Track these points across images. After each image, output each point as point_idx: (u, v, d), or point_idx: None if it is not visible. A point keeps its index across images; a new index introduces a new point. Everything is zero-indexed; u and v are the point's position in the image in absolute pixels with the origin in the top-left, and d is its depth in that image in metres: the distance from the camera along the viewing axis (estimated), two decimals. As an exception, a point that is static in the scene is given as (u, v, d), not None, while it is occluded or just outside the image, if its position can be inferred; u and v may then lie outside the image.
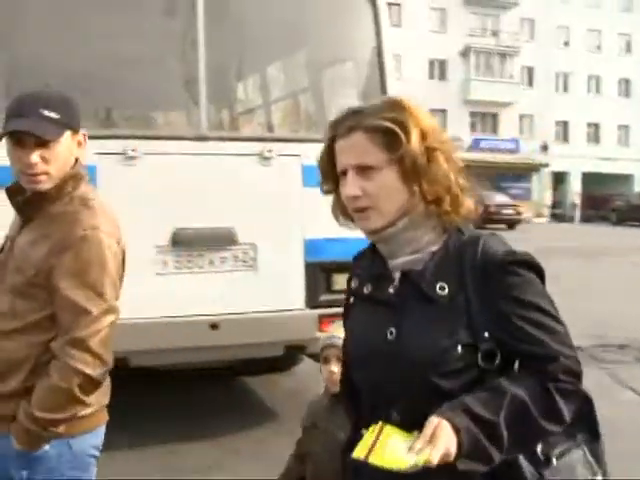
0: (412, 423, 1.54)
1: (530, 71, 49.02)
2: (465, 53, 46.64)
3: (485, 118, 48.49)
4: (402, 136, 1.61)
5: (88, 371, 2.12)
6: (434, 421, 1.48)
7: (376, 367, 1.69)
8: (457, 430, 1.48)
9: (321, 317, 4.83)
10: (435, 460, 1.42)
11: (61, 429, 2.16)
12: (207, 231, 4.66)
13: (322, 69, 5.75)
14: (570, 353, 1.61)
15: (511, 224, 33.97)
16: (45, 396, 2.13)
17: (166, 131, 5.21)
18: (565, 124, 50.02)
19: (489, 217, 33.84)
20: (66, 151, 2.23)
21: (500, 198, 35.79)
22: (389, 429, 1.55)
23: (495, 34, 47.94)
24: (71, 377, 2.11)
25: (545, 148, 48.34)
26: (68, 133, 2.23)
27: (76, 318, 2.13)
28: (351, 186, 1.65)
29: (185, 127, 5.25)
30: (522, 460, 1.62)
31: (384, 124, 1.62)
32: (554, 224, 41.55)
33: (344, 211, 1.75)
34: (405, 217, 1.66)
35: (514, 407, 1.53)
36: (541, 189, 48.42)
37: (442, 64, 46.59)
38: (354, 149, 1.65)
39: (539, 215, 45.49)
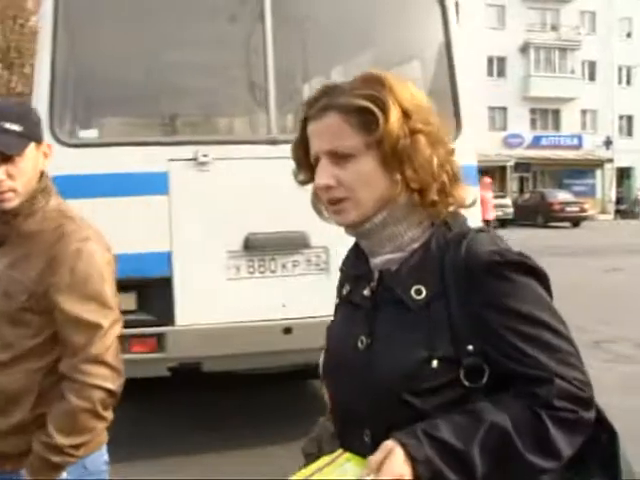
0: None
1: (592, 65, 48.01)
2: (524, 49, 45.96)
3: (546, 114, 47.69)
4: (380, 115, 1.38)
5: (109, 386, 2.03)
6: (386, 447, 1.28)
7: (345, 381, 1.47)
8: (413, 459, 1.26)
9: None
10: None
11: (81, 452, 2.05)
12: (279, 235, 4.65)
13: (389, 69, 5.69)
14: (573, 374, 1.34)
15: (576, 222, 33.45)
16: (66, 421, 2.01)
17: (236, 136, 5.22)
18: (629, 118, 48.92)
19: (553, 215, 33.37)
20: (32, 164, 2.09)
21: (563, 195, 35.30)
22: (348, 455, 1.39)
23: (555, 28, 47.14)
24: (92, 395, 2.01)
25: (609, 143, 47.27)
26: (32, 145, 2.08)
27: (87, 334, 2.02)
28: (323, 175, 1.43)
29: (255, 131, 5.27)
30: None
31: (359, 102, 1.40)
32: (619, 221, 40.59)
33: None
34: (384, 210, 1.44)
35: (493, 437, 1.29)
36: (605, 185, 47.38)
37: (501, 61, 45.98)
38: (327, 132, 1.43)
39: (604, 212, 44.53)
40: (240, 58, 4.91)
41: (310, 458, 2.41)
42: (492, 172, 38.29)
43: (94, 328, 2.03)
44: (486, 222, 19.63)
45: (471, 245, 1.39)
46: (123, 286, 4.32)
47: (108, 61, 4.80)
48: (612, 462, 1.42)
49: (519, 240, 20.73)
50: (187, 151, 4.46)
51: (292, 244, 4.69)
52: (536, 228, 32.31)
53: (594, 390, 1.37)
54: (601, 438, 1.42)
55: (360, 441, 1.42)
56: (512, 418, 1.30)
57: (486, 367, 1.36)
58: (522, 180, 46.12)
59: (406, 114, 1.40)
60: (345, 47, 5.44)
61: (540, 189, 40.49)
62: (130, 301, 4.41)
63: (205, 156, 4.44)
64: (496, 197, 31.46)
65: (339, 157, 1.42)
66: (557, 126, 47.76)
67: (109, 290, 2.10)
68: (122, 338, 4.37)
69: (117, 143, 4.49)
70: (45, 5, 4.43)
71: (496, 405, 1.32)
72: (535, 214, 34.12)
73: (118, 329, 2.11)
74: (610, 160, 46.51)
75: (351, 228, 1.49)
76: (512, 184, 44.59)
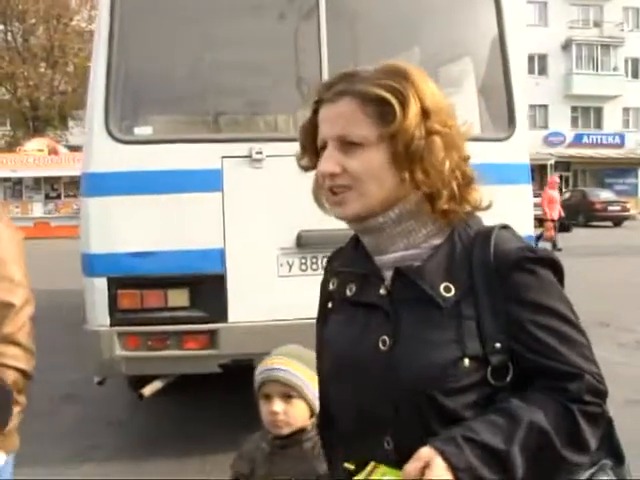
0: (409, 452, 1.25)
1: (635, 62, 47.29)
2: (566, 46, 45.41)
3: (588, 112, 47.08)
4: (397, 109, 1.32)
5: (22, 366, 1.98)
6: (424, 455, 1.22)
7: (363, 384, 1.39)
8: (454, 468, 1.21)
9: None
10: None
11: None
12: (331, 233, 4.57)
13: (441, 65, 5.64)
14: (594, 369, 1.34)
15: (617, 221, 32.95)
16: None
17: (290, 133, 5.22)
18: (673, 116, 48.07)
19: (594, 214, 32.91)
20: None
21: (605, 194, 34.78)
22: (384, 469, 1.32)
23: (598, 25, 46.47)
24: (4, 376, 1.95)
25: (652, 142, 46.52)
26: None
27: None
28: (329, 161, 1.36)
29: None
30: None
31: (378, 91, 1.33)
32: (662, 221, 39.89)
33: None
34: (397, 206, 1.38)
35: (532, 436, 1.26)
36: (648, 184, 46.62)
37: (542, 58, 45.46)
38: (340, 117, 1.36)
39: (646, 212, 43.82)
40: (292, 55, 4.89)
41: (243, 478, 2.32)
42: (532, 171, 37.82)
43: (5, 307, 2.00)
44: (552, 221, 19.09)
45: (499, 242, 1.37)
46: (176, 282, 4.45)
47: (161, 59, 4.83)
48: (614, 447, 1.44)
49: (561, 239, 20.54)
50: (241, 148, 4.47)
51: (344, 242, 4.65)
52: (577, 227, 31.92)
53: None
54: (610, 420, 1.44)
55: (381, 448, 1.36)
56: (547, 416, 1.28)
57: (511, 365, 1.33)
58: (563, 179, 45.60)
59: (425, 112, 1.35)
60: (397, 43, 5.39)
61: (581, 188, 39.97)
62: (183, 297, 4.44)
63: (259, 153, 4.44)
64: (536, 196, 31.21)
65: (348, 145, 1.36)
66: (599, 124, 47.11)
67: (20, 269, 2.07)
68: (175, 334, 4.46)
69: (171, 140, 4.51)
70: (102, 5, 4.47)
71: (529, 403, 1.30)
72: (576, 213, 33.65)
73: (30, 309, 2.07)
74: (653, 159, 45.77)
75: (356, 222, 1.42)
76: (553, 183, 44.08)
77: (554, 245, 19.05)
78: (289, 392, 2.25)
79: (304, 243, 4.55)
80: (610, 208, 33.32)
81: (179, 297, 4.43)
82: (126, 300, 4.34)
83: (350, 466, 1.39)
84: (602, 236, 24.94)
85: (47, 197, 30.39)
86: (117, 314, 4.36)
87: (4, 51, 35.19)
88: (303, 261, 4.61)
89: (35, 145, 30.08)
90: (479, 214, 1.47)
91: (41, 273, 14.95)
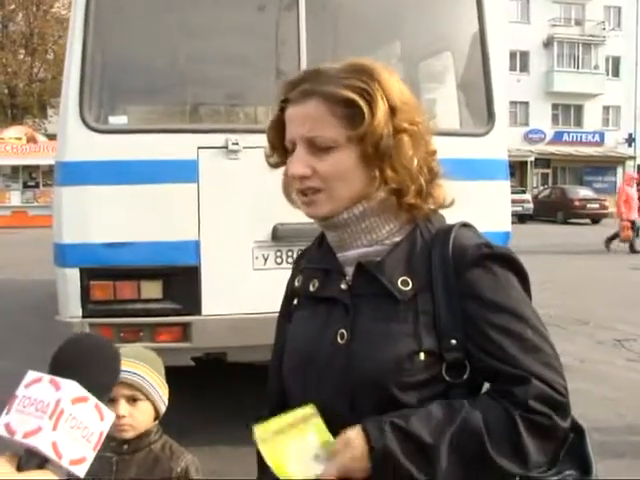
0: None
1: (616, 61, 47.61)
2: (548, 44, 45.61)
3: (568, 110, 47.35)
4: (366, 110, 1.32)
5: None
6: (348, 435, 1.26)
7: (322, 379, 1.38)
8: (372, 449, 1.24)
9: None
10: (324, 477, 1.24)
11: None
12: (307, 226, 4.56)
13: (421, 59, 5.62)
14: (552, 377, 1.29)
15: (596, 219, 33.16)
16: None
17: (267, 124, 5.20)
18: (653, 115, 48.44)
19: (573, 211, 33.15)
20: None
21: (584, 192, 35.09)
22: (317, 423, 1.31)
23: (579, 23, 46.75)
24: None
25: (631, 140, 46.87)
26: None
27: None
28: (298, 163, 1.36)
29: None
30: None
31: (347, 94, 1.32)
32: (641, 219, 40.20)
33: None
34: (361, 203, 1.38)
35: (464, 436, 1.24)
36: (626, 183, 47.00)
37: (524, 55, 45.64)
38: (308, 119, 1.35)
39: (624, 210, 44.14)
40: (271, 47, 4.86)
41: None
42: (512, 167, 38.07)
43: None
44: (631, 223, 17.49)
45: (458, 238, 1.37)
46: (150, 274, 4.40)
47: (138, 48, 4.77)
48: (583, 457, 1.39)
49: (538, 236, 20.63)
50: (217, 139, 4.42)
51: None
52: (556, 224, 32.10)
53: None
54: (568, 437, 1.37)
55: None
56: (486, 418, 1.26)
57: (467, 363, 1.32)
58: (542, 176, 45.84)
59: (392, 111, 1.34)
60: (377, 37, 5.37)
61: (561, 185, 40.23)
62: (157, 289, 4.39)
63: (235, 144, 4.39)
64: (516, 192, 31.36)
65: (317, 147, 1.35)
66: (579, 122, 47.41)
67: None
68: (148, 327, 4.40)
69: (147, 130, 4.45)
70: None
71: (473, 404, 1.29)
72: (555, 210, 33.89)
73: None
74: (632, 157, 46.12)
75: (323, 220, 1.42)
76: (532, 179, 44.34)
77: (631, 246, 18.01)
78: (135, 395, 2.20)
79: (280, 236, 4.51)
80: (589, 206, 33.58)
81: (152, 289, 4.38)
82: (98, 291, 4.29)
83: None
84: (580, 234, 25.13)
85: (25, 186, 30.05)
86: (89, 305, 4.30)
87: (-17, 38, 34.76)
88: (279, 254, 4.58)
89: (13, 133, 29.74)
90: (443, 212, 1.46)
91: (18, 263, 14.86)
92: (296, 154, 1.37)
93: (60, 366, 1.06)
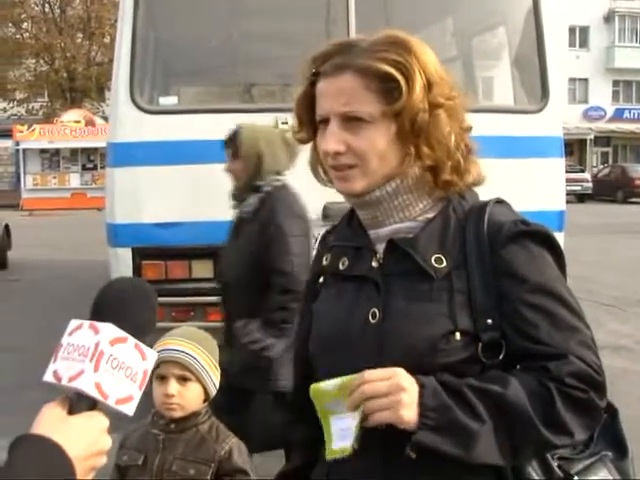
0: (397, 430, 1.21)
1: (680, 34, 46.12)
2: (609, 18, 44.39)
3: (629, 87, 46.09)
4: (404, 85, 1.28)
5: None
6: (398, 370, 1.22)
7: (351, 358, 1.32)
8: (420, 385, 1.21)
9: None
10: (373, 419, 1.19)
11: None
12: (357, 205, 4.58)
13: (473, 35, 5.53)
14: (589, 356, 1.26)
15: (658, 198, 32.29)
16: None
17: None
18: None
19: (633, 190, 32.33)
20: None
21: (645, 170, 34.09)
22: (316, 388, 1.28)
23: (642, -4, 45.36)
24: None
25: (695, 117, 45.48)
26: None
27: None
28: (332, 140, 1.31)
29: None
30: (532, 474, 1.30)
31: (383, 67, 1.28)
32: None
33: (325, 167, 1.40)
34: (394, 180, 1.34)
35: (508, 399, 1.22)
36: (690, 161, 45.68)
37: (583, 31, 44.52)
38: (342, 93, 1.30)
39: (688, 188, 42.95)
40: (320, 26, 4.82)
41: (133, 470, 2.21)
42: (571, 146, 37.34)
43: None
44: None
45: (493, 215, 1.34)
46: (201, 254, 4.43)
47: (187, 29, 4.80)
48: (616, 439, 1.38)
49: (598, 215, 20.19)
50: (266, 119, 4.41)
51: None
52: (615, 204, 31.39)
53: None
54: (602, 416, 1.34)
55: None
56: (525, 387, 1.23)
57: (503, 342, 1.29)
58: (602, 154, 44.83)
59: (429, 85, 1.30)
60: (429, 14, 5.29)
61: (621, 164, 39.27)
62: (208, 269, 4.42)
63: (285, 123, 4.37)
64: (574, 171, 30.72)
65: (352, 122, 1.31)
66: (641, 99, 46.16)
67: None
68: (199, 306, 4.44)
69: (197, 110, 4.48)
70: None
71: (510, 373, 1.26)
72: (615, 189, 33.12)
73: None
74: (696, 134, 44.79)
75: (356, 197, 1.38)
76: (592, 158, 43.39)
77: None
78: (185, 375, 2.20)
79: (329, 215, 4.50)
80: (649, 184, 32.73)
81: (203, 268, 4.42)
82: (150, 271, 4.34)
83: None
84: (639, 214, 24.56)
85: (84, 168, 30.63)
86: (141, 285, 4.35)
87: (41, 22, 35.38)
88: (329, 233, 4.57)
89: (72, 116, 30.28)
90: (495, 190, 1.41)
91: (77, 244, 15.16)
92: (329, 129, 1.33)
93: (100, 310, 1.10)
